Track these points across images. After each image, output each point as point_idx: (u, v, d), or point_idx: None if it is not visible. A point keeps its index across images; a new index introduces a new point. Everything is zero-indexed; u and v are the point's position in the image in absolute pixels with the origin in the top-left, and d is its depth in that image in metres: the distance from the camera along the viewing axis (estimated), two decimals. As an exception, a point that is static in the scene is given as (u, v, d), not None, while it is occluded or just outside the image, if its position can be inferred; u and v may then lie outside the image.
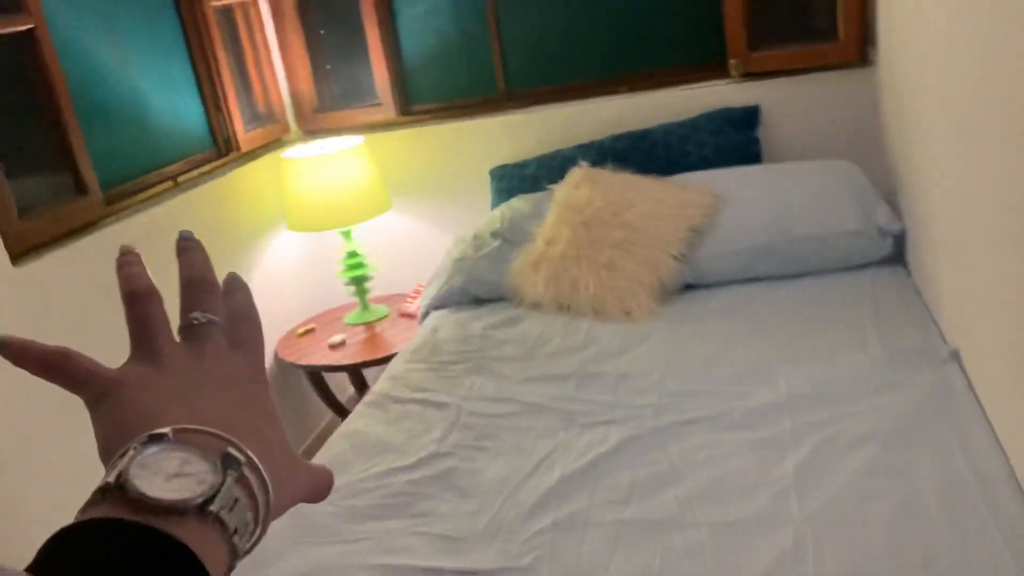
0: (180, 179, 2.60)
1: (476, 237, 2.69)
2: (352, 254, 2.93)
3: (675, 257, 2.36)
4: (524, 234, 2.60)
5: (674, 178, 2.60)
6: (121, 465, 0.38)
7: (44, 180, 2.15)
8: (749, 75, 2.73)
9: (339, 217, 2.82)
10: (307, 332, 2.96)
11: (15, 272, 1.94)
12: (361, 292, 2.97)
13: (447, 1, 2.97)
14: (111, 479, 0.38)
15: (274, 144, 3.08)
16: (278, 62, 3.09)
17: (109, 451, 0.40)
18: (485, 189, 3.00)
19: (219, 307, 0.49)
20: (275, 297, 2.97)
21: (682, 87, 2.82)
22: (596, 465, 1.66)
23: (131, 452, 0.39)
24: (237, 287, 0.51)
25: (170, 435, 0.39)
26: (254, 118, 3.02)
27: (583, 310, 2.36)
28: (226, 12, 2.89)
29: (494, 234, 2.67)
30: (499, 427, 1.87)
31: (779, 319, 2.14)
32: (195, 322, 0.47)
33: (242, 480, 0.40)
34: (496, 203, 2.91)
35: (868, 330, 1.99)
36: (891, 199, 2.40)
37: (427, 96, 3.10)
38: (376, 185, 2.91)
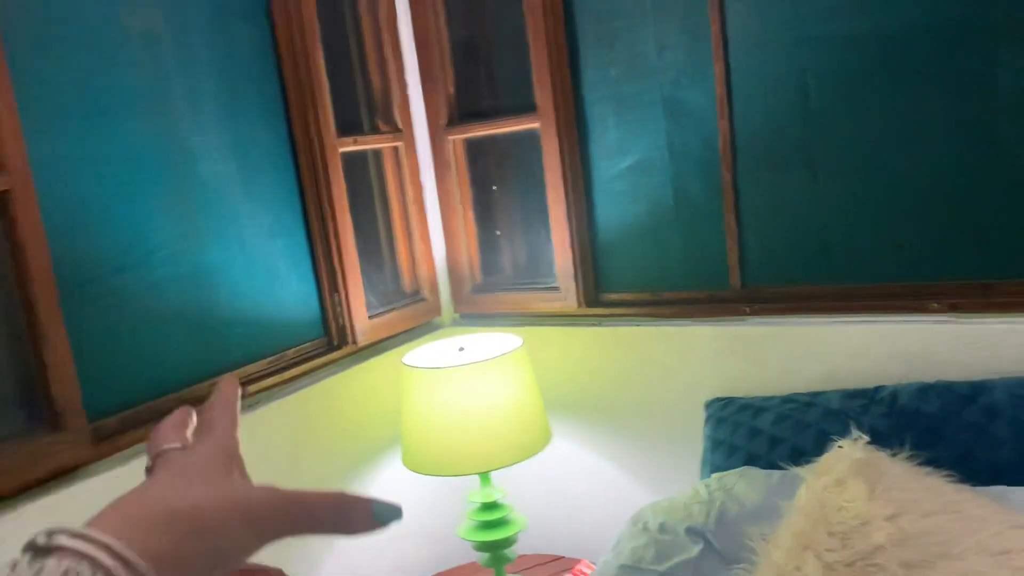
0: (257, 387, 1.87)
1: (664, 529, 1.67)
2: (490, 506, 2.02)
3: None
4: (741, 546, 1.54)
5: (1033, 494, 1.43)
6: None
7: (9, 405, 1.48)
8: None
9: (473, 457, 1.93)
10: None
11: None
12: (498, 561, 2.03)
13: (662, 154, 2.06)
14: None
15: (420, 330, 2.29)
16: (435, 225, 2.34)
17: None
18: (695, 427, 1.98)
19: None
20: (377, 552, 2.12)
21: (1049, 316, 1.65)
22: None
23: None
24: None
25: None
26: (395, 296, 2.26)
27: None
28: (361, 159, 2.19)
29: (692, 532, 1.64)
30: None
31: None
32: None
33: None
34: (710, 457, 1.88)
35: None
36: None
37: (623, 284, 2.17)
38: (534, 411, 2.00)
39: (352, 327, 2.06)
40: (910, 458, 1.54)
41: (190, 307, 1.78)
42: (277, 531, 0.39)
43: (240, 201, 1.89)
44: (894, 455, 1.55)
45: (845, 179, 1.86)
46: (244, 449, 1.59)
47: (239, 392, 0.50)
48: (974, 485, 1.47)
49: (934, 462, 1.53)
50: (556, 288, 2.20)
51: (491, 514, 2.01)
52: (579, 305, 2.17)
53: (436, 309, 2.34)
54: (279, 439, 1.88)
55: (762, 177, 1.94)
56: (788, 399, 1.84)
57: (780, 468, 1.69)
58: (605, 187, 2.14)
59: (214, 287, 1.83)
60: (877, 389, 1.74)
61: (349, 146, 2.07)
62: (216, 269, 1.83)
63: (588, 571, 2.06)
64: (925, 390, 1.67)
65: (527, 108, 2.16)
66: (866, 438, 1.59)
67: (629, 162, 2.10)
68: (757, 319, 1.96)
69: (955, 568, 1.28)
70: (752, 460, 1.77)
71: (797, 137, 1.88)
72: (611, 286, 2.18)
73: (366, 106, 2.22)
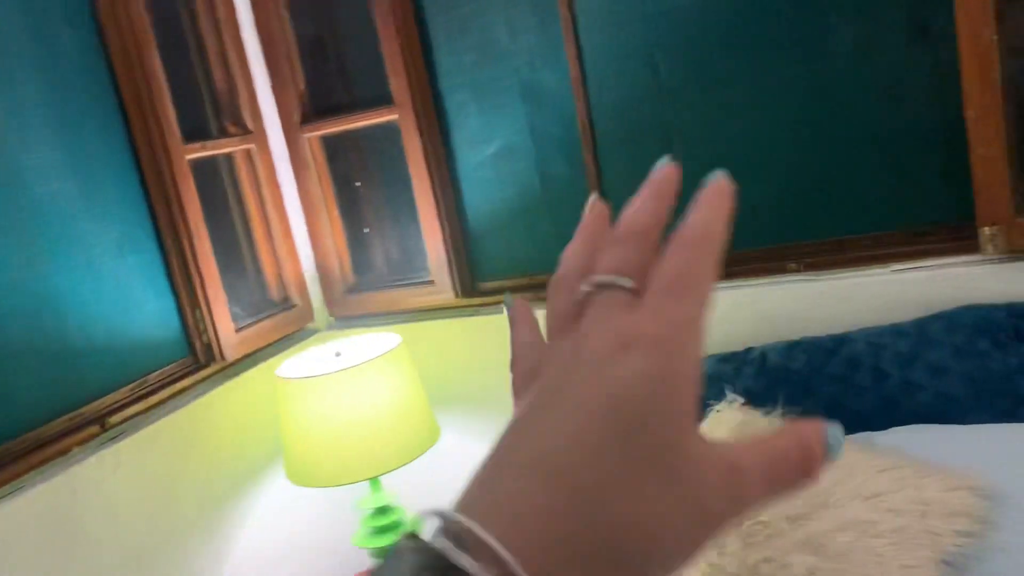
0: (120, 416, 1.75)
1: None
2: (383, 510, 1.97)
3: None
4: (634, 520, 1.56)
5: (894, 437, 1.51)
6: None
7: None
8: (1016, 253, 1.63)
9: (360, 463, 1.88)
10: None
11: None
12: (396, 564, 1.98)
13: (524, 139, 2.05)
14: None
15: (294, 338, 2.21)
16: (299, 227, 2.25)
17: None
18: (582, 407, 1.99)
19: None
20: (271, 570, 2.04)
21: (896, 267, 1.75)
22: None
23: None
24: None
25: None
26: (263, 306, 2.17)
27: None
28: (211, 165, 2.08)
29: (586, 511, 1.65)
30: None
31: None
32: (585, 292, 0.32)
33: None
34: (597, 434, 1.90)
35: None
36: None
37: (498, 271, 2.16)
38: (419, 409, 1.96)
39: (218, 342, 1.96)
40: (784, 414, 1.61)
41: (37, 339, 1.65)
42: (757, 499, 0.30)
43: (82, 220, 1.76)
44: (768, 413, 1.61)
45: (699, 150, 1.90)
46: (107, 486, 1.47)
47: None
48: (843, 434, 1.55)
49: (806, 416, 1.59)
50: (431, 282, 2.17)
51: (384, 519, 1.97)
52: (456, 296, 2.15)
53: (308, 315, 2.26)
54: (152, 469, 1.77)
55: (622, 155, 1.97)
56: (666, 369, 1.87)
57: (664, 438, 1.72)
58: (471, 175, 2.12)
59: (62, 315, 1.70)
60: (747, 351, 1.80)
61: (197, 152, 1.96)
62: (62, 295, 1.70)
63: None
64: (792, 347, 1.74)
65: (383, 100, 2.10)
66: (741, 399, 1.64)
67: (493, 149, 2.08)
68: (630, 294, 1.99)
69: (834, 515, 1.34)
70: (637, 433, 1.80)
71: (651, 113, 1.92)
72: (486, 274, 2.16)
73: (212, 109, 2.11)
